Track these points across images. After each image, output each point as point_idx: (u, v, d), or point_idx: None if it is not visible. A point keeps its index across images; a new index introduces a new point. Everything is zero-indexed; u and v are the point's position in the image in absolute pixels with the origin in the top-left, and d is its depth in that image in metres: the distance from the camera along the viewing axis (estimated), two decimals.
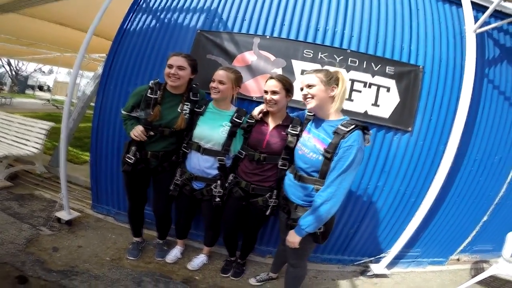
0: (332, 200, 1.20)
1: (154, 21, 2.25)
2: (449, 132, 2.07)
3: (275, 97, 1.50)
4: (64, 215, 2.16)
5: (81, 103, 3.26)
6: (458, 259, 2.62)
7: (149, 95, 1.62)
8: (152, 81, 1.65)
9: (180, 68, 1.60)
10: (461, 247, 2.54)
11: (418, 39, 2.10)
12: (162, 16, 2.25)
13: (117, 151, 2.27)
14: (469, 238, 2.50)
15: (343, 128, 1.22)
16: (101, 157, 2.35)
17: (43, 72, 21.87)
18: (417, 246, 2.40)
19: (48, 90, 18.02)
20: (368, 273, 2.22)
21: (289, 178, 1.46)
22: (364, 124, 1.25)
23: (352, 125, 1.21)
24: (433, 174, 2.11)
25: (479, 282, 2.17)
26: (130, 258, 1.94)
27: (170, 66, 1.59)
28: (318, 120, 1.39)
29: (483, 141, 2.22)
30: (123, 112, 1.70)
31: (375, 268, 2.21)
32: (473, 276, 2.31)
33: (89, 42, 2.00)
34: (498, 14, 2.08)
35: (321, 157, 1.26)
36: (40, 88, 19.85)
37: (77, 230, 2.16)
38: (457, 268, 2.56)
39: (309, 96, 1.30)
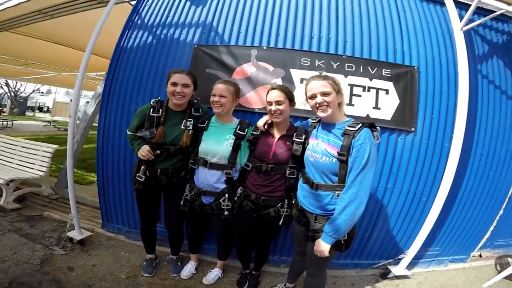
0: (356, 201, 1.18)
1: (150, 38, 2.28)
2: (452, 129, 2.07)
3: (280, 107, 1.52)
4: (75, 234, 2.18)
5: (83, 124, 3.28)
6: (480, 255, 2.58)
7: (152, 114, 1.64)
8: (153, 100, 1.68)
9: (185, 85, 1.62)
10: (482, 243, 2.50)
11: (409, 40, 2.15)
12: (158, 32, 2.28)
13: (124, 170, 2.28)
14: (488, 233, 2.47)
15: (351, 128, 1.23)
16: (108, 177, 2.35)
17: (42, 92, 22.05)
18: (435, 245, 2.37)
19: (48, 111, 18.13)
20: (389, 275, 2.18)
21: (303, 188, 1.44)
22: (370, 122, 1.26)
23: (359, 124, 1.23)
24: (441, 172, 2.09)
25: (508, 277, 2.13)
26: (145, 275, 1.93)
27: (175, 84, 1.61)
28: (324, 125, 1.40)
29: (487, 135, 2.22)
30: (128, 133, 1.73)
31: (395, 269, 2.17)
32: (499, 272, 2.29)
33: (88, 60, 2.02)
34: (480, 11, 2.14)
35: (335, 160, 1.26)
36: (40, 109, 20.00)
37: (90, 249, 2.18)
38: (481, 264, 2.51)
39: (325, 104, 1.29)
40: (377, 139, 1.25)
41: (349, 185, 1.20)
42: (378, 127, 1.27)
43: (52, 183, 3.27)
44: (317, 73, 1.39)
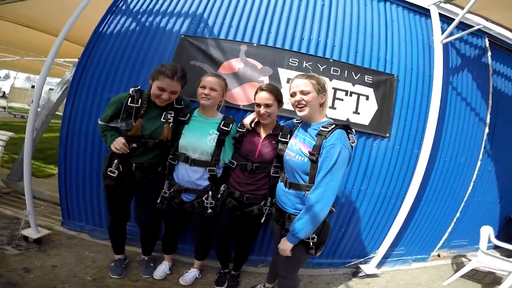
0: (321, 202, 1.17)
1: (134, 24, 2.14)
2: (422, 137, 2.24)
3: (269, 110, 1.49)
4: (31, 233, 1.96)
5: (45, 111, 2.95)
6: (438, 255, 2.80)
7: (130, 104, 1.50)
8: (132, 88, 1.54)
9: (172, 92, 1.53)
10: (440, 243, 2.71)
11: (393, 49, 2.27)
12: (143, 19, 2.15)
13: (90, 162, 2.09)
14: (446, 234, 2.69)
15: (324, 129, 1.23)
16: (71, 170, 2.13)
17: None
18: (401, 245, 2.52)
19: (4, 96, 16.13)
20: (360, 274, 2.27)
21: (280, 187, 1.44)
22: (344, 124, 1.27)
23: (332, 125, 1.23)
24: (409, 176, 2.25)
25: (463, 276, 2.34)
26: (114, 276, 1.79)
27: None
28: (304, 125, 1.41)
29: (450, 143, 2.43)
30: (100, 122, 1.57)
31: (366, 268, 2.27)
32: (455, 270, 2.50)
33: (60, 46, 1.84)
34: (460, 25, 2.28)
35: (306, 159, 1.25)
36: None
37: (48, 249, 1.97)
38: (440, 264, 2.73)
39: (303, 103, 1.28)
40: (353, 142, 1.25)
41: (316, 185, 1.20)
42: (353, 130, 1.28)
43: (4, 175, 2.90)
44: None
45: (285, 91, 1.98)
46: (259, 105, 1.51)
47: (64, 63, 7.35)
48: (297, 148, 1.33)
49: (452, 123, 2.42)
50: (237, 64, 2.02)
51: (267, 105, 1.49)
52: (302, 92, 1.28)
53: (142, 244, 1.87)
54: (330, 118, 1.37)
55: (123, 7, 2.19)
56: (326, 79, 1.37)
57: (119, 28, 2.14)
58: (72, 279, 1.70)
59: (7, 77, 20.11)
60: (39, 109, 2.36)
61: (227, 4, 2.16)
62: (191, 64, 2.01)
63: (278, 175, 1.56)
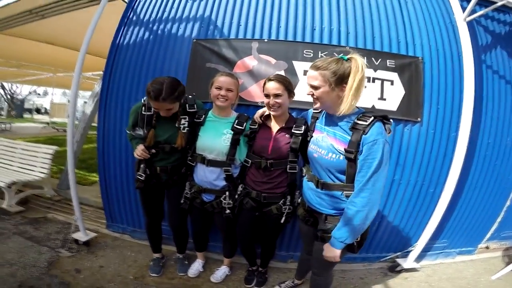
0: (368, 206, 1.06)
1: (147, 34, 2.22)
2: (458, 119, 2.04)
3: (279, 100, 1.41)
4: (81, 236, 2.16)
5: (82, 124, 3.24)
6: (487, 247, 2.56)
7: (143, 112, 1.58)
8: (145, 97, 1.60)
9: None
10: (489, 235, 2.48)
11: (412, 30, 2.10)
12: (154, 28, 2.22)
13: (126, 169, 2.24)
14: (495, 225, 2.45)
15: (361, 122, 1.07)
16: (110, 177, 2.32)
17: (38, 94, 21.83)
18: (443, 237, 2.35)
19: (46, 112, 18.01)
20: (397, 268, 2.17)
21: (309, 186, 1.32)
22: (382, 114, 1.10)
23: (370, 117, 1.07)
24: (448, 162, 2.07)
25: None
26: (153, 275, 1.91)
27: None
28: (330, 116, 1.23)
29: (492, 125, 2.19)
30: (127, 132, 1.69)
31: (404, 262, 2.15)
32: (507, 263, 2.27)
33: (83, 60, 1.97)
34: (482, 2, 2.09)
35: (342, 157, 1.12)
36: (38, 111, 19.88)
37: (96, 250, 2.16)
38: (488, 256, 2.50)
39: (314, 97, 1.17)
40: (389, 132, 1.10)
41: (361, 188, 1.07)
42: (391, 120, 1.11)
43: (54, 184, 3.24)
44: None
45: (302, 84, 1.94)
46: (268, 96, 1.43)
47: (93, 76, 7.94)
48: (327, 144, 1.18)
49: (492, 103, 2.18)
50: (250, 61, 2.00)
51: (276, 95, 1.40)
52: (312, 86, 1.15)
53: (176, 243, 1.97)
54: (358, 107, 1.18)
55: (134, 18, 2.27)
56: (359, 62, 1.08)
57: (134, 39, 2.23)
58: (117, 278, 1.84)
59: (45, 93, 22.05)
60: (76, 122, 2.61)
61: (233, 4, 2.14)
62: (206, 66, 2.04)
63: (295, 171, 1.51)
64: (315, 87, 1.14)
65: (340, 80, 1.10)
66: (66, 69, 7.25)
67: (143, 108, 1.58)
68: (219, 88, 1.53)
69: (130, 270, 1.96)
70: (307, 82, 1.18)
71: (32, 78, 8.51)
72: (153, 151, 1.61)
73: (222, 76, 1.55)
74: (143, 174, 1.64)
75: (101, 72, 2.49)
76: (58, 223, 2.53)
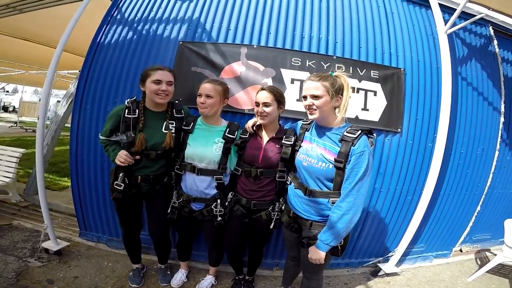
0: (352, 210, 1.16)
1: (131, 33, 2.12)
2: (435, 130, 2.16)
3: (267, 109, 1.45)
4: (51, 245, 2.00)
5: (54, 126, 3.00)
6: (461, 250, 2.70)
7: (127, 115, 1.49)
8: (128, 100, 1.53)
9: (169, 83, 1.52)
10: (462, 238, 2.62)
11: (396, 42, 2.20)
12: (139, 27, 2.13)
13: (101, 175, 2.10)
14: (468, 229, 2.59)
15: (350, 135, 1.19)
16: (83, 182, 2.16)
17: (7, 91, 20.21)
18: (420, 242, 2.45)
19: (14, 111, 16.65)
20: (379, 273, 2.22)
21: (296, 194, 1.38)
22: (368, 128, 1.23)
23: (358, 130, 1.19)
24: (425, 171, 2.17)
25: (489, 271, 2.25)
26: (133, 285, 1.82)
27: (159, 82, 1.47)
28: (319, 128, 1.33)
29: (465, 135, 2.33)
30: (101, 137, 1.56)
31: (385, 267, 2.21)
32: (480, 266, 2.41)
33: (60, 58, 1.84)
34: (462, 15, 2.20)
35: (331, 166, 1.22)
36: (5, 109, 18.31)
37: (69, 260, 2.02)
38: (462, 259, 2.64)
39: (313, 107, 1.23)
40: (371, 145, 1.22)
41: (347, 194, 1.17)
42: (374, 134, 1.25)
43: (20, 189, 2.99)
44: (308, 74, 1.33)
45: (289, 92, 1.94)
46: (258, 104, 1.48)
47: (68, 75, 7.49)
48: (317, 154, 1.27)
49: (466, 114, 2.32)
50: (238, 67, 1.97)
51: (265, 104, 1.45)
52: (313, 97, 1.23)
53: (157, 253, 1.88)
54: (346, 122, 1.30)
55: (118, 16, 2.18)
56: (347, 79, 1.24)
57: (116, 38, 2.13)
58: None
59: (15, 91, 20.65)
60: (48, 122, 2.41)
61: (223, 7, 2.11)
62: (192, 70, 1.99)
63: (283, 180, 1.53)
64: (317, 97, 1.22)
65: (337, 91, 1.23)
66: (40, 66, 6.77)
67: (127, 111, 1.49)
68: (200, 95, 1.52)
69: (108, 281, 1.84)
70: (308, 93, 1.25)
71: (2, 74, 7.84)
72: (137, 157, 1.51)
73: (204, 83, 1.54)
74: (122, 184, 1.51)
75: (78, 71, 2.34)
76: (25, 230, 2.34)
